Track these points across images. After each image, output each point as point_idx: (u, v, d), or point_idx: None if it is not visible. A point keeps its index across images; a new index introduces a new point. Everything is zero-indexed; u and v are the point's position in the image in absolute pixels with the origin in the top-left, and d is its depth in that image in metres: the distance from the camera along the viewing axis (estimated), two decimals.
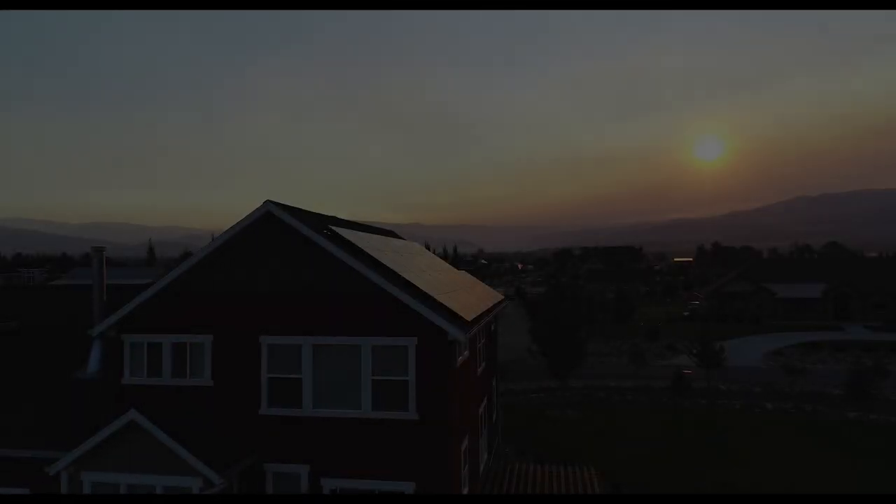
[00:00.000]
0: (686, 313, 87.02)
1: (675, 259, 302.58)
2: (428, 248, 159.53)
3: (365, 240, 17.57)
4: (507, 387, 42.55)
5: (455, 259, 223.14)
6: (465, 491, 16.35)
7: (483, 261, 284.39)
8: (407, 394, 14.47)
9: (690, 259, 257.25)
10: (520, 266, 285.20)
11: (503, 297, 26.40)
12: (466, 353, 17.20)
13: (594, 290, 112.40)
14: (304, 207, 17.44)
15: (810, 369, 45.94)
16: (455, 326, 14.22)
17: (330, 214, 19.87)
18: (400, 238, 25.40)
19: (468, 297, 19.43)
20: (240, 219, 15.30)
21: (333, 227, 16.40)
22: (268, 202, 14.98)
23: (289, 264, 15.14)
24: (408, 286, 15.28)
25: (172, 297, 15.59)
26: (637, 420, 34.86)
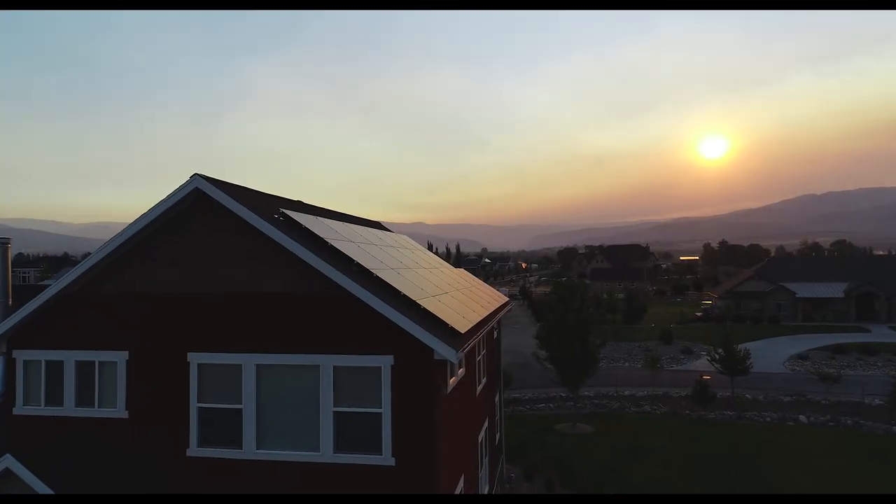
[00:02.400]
0: (699, 314, 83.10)
1: (682, 257, 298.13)
2: (430, 247, 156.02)
3: (332, 229, 13.97)
4: (511, 395, 38.86)
5: (458, 258, 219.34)
6: None
7: (486, 259, 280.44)
8: (380, 431, 10.86)
9: (697, 257, 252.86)
10: (523, 265, 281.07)
11: (508, 298, 22.79)
12: (462, 371, 13.58)
13: (601, 289, 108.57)
14: None
15: (842, 376, 42.11)
16: (444, 342, 10.62)
17: (296, 199, 16.32)
18: (387, 230, 21.78)
19: (465, 300, 15.82)
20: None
21: (289, 212, 12.78)
22: (196, 176, 11.33)
23: (226, 259, 11.53)
24: (384, 288, 11.69)
25: (76, 301, 12.01)
26: (657, 435, 31.11)
